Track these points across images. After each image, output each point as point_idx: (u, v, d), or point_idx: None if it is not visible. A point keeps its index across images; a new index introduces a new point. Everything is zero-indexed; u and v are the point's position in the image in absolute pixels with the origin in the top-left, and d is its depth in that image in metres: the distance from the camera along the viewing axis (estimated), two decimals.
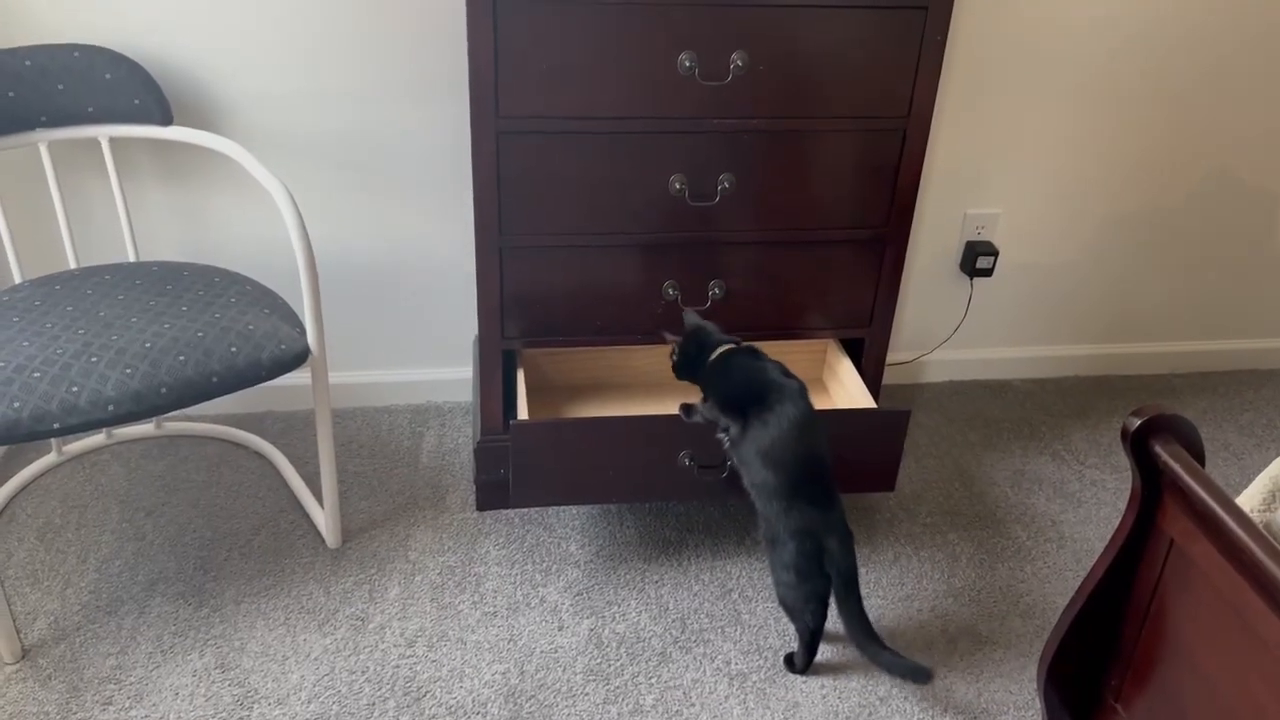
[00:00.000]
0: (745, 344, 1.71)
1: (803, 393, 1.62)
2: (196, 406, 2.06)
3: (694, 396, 1.73)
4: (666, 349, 2.04)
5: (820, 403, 2.05)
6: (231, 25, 1.88)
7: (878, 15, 1.66)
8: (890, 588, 1.89)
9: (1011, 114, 2.19)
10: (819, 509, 1.59)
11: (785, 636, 1.77)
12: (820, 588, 1.62)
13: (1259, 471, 2.03)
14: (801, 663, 1.70)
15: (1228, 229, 2.42)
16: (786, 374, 1.65)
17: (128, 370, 1.54)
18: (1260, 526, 1.14)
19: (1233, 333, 2.59)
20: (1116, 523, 1.48)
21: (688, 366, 1.72)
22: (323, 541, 1.92)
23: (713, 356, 1.69)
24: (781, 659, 1.73)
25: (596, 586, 1.86)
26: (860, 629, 1.61)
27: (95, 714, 1.59)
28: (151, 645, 1.70)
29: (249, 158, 1.76)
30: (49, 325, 1.61)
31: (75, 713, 1.59)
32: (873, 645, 1.62)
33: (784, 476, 1.58)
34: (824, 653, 1.74)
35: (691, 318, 1.75)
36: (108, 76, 1.78)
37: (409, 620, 1.77)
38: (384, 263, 2.15)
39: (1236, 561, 1.15)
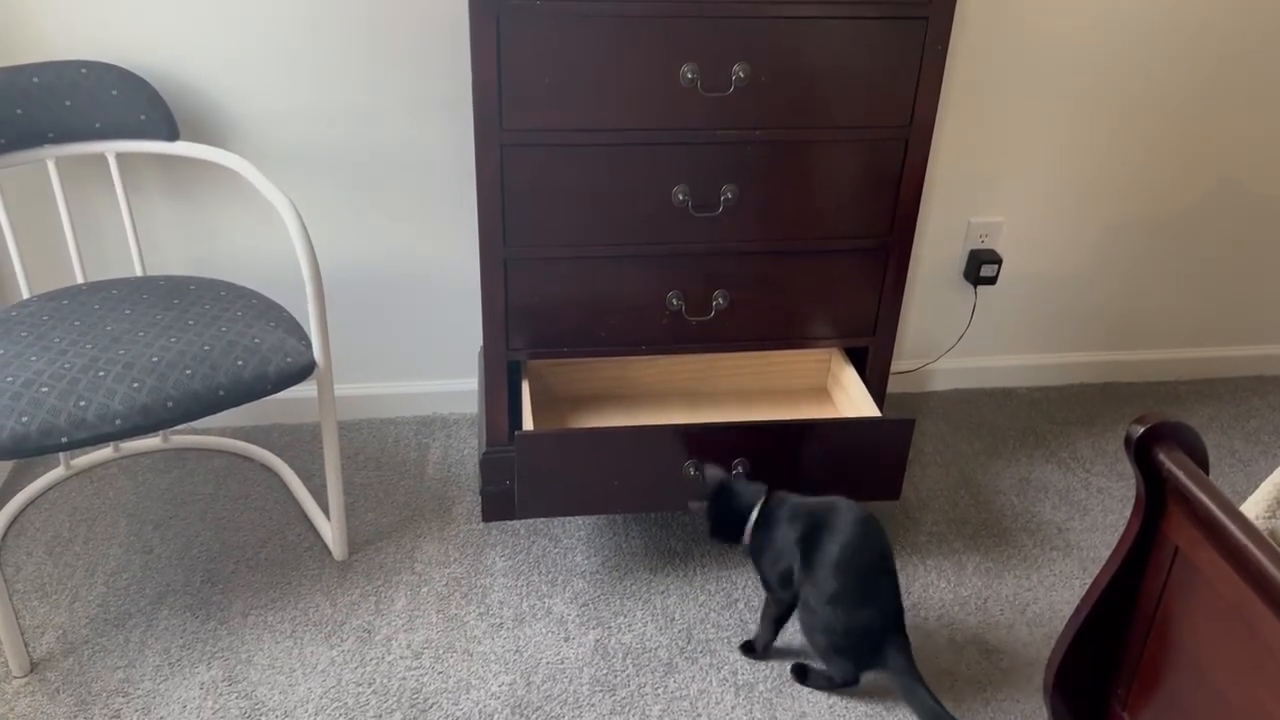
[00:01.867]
0: (778, 492, 1.67)
1: (859, 525, 1.60)
2: (203, 420, 2.08)
3: (692, 414, 1.73)
4: (672, 360, 2.05)
5: (825, 412, 2.06)
6: (237, 41, 1.89)
7: (879, 26, 1.67)
8: None
9: (1013, 122, 2.20)
10: (883, 623, 1.60)
11: (793, 647, 1.77)
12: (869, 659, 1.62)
13: (1265, 478, 2.03)
14: (819, 683, 1.70)
15: (1232, 235, 2.42)
16: (830, 512, 1.61)
17: (135, 384, 1.55)
18: (1265, 533, 1.14)
19: (1238, 339, 2.58)
20: (1122, 530, 1.48)
21: (725, 531, 1.68)
22: (329, 554, 1.93)
23: (754, 517, 1.65)
24: (789, 670, 1.73)
25: (602, 597, 1.86)
26: (915, 693, 1.58)
27: None
28: (159, 658, 1.71)
29: (255, 172, 1.77)
30: (57, 340, 1.62)
31: None
32: (908, 683, 1.59)
33: (855, 619, 1.58)
34: None
35: (713, 472, 1.70)
36: (114, 93, 1.80)
37: (415, 632, 1.78)
38: (389, 275, 2.16)
39: (1242, 569, 1.15)
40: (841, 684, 1.68)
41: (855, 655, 1.63)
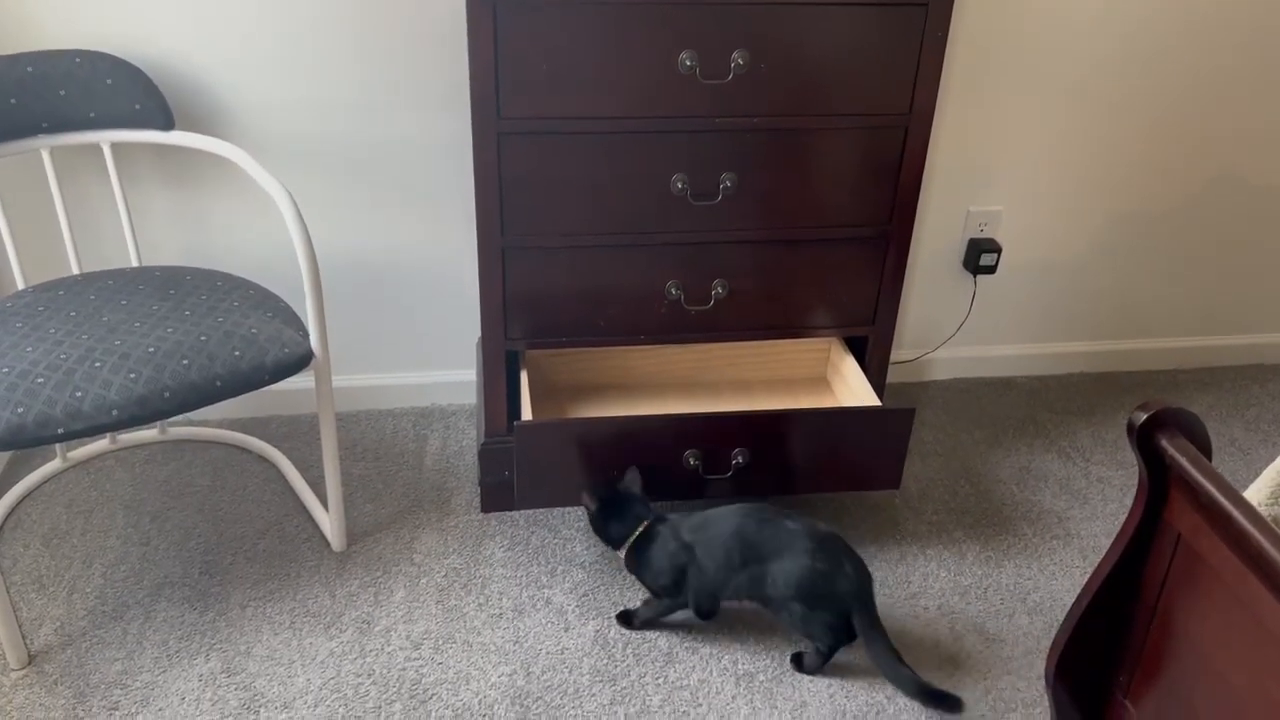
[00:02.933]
0: (664, 517, 1.72)
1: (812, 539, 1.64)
2: (200, 411, 2.07)
3: (691, 404, 1.72)
4: (671, 350, 2.04)
5: (825, 401, 2.06)
6: (233, 30, 1.88)
7: (879, 13, 1.66)
8: (897, 586, 1.88)
9: (1013, 110, 2.19)
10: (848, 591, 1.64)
11: (791, 636, 1.76)
12: (842, 621, 1.65)
13: (1265, 466, 2.03)
14: (813, 665, 1.70)
15: (1232, 224, 2.42)
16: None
17: (131, 375, 1.54)
18: (1268, 520, 1.14)
19: (1238, 328, 2.58)
20: (1123, 519, 1.48)
21: (606, 536, 1.74)
22: (328, 545, 1.92)
23: (631, 540, 1.71)
24: (789, 659, 1.72)
25: (602, 587, 1.85)
26: (886, 653, 1.63)
27: (102, 719, 1.59)
28: (157, 650, 1.70)
29: (251, 162, 1.76)
30: (52, 331, 1.61)
31: (82, 718, 1.59)
32: (898, 670, 1.62)
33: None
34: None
35: (629, 478, 1.75)
36: (109, 82, 1.78)
37: (415, 623, 1.77)
38: (386, 265, 2.15)
39: (1245, 555, 1.15)
40: (830, 651, 1.69)
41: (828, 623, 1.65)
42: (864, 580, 1.65)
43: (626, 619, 1.77)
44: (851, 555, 1.65)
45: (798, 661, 1.71)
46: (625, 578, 1.87)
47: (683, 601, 1.72)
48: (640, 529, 1.70)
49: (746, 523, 1.65)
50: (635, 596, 1.83)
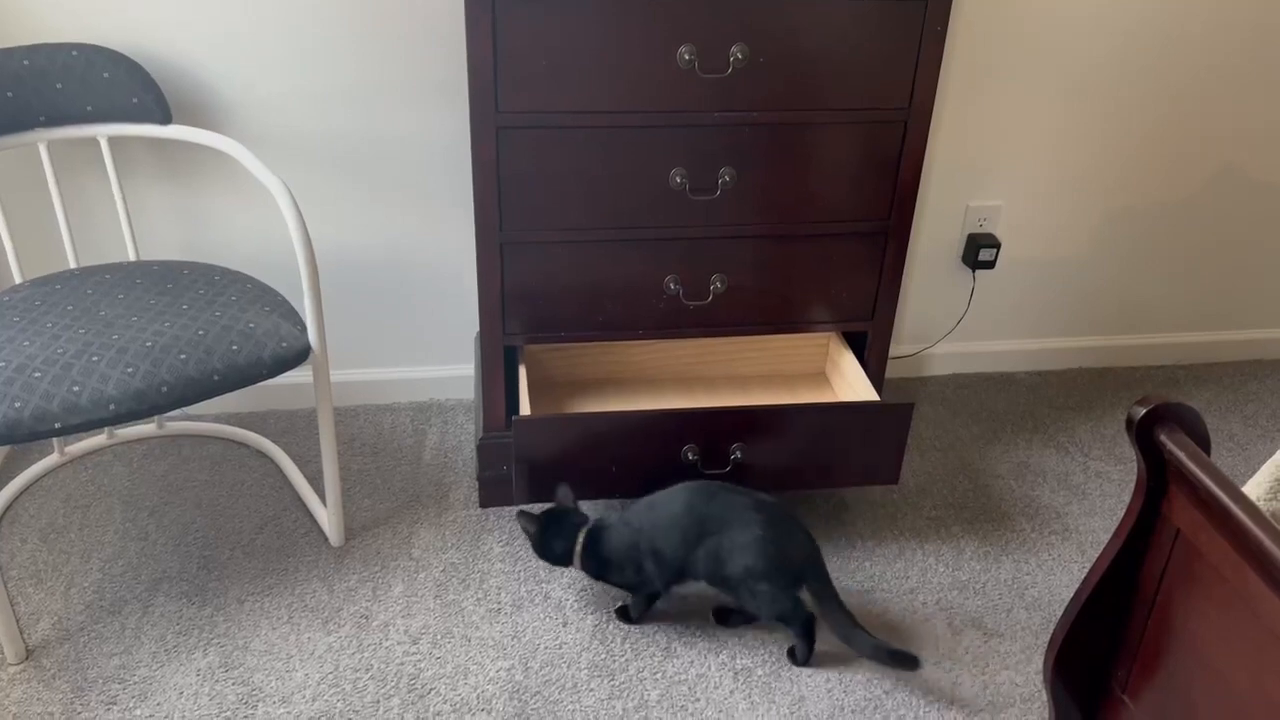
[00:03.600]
0: (601, 518, 1.73)
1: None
2: (198, 406, 2.07)
3: (690, 399, 1.72)
4: (669, 345, 2.04)
5: (823, 396, 2.06)
6: (230, 24, 1.88)
7: (878, 7, 1.66)
8: (895, 581, 1.88)
9: (1013, 106, 2.19)
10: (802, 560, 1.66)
11: (790, 630, 1.76)
12: (797, 590, 1.67)
13: (1264, 461, 2.03)
14: (803, 654, 1.70)
15: (1231, 220, 2.42)
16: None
17: (129, 369, 1.54)
18: (1267, 515, 1.14)
19: (1236, 324, 2.58)
20: (1121, 514, 1.48)
21: (549, 554, 1.74)
22: (326, 540, 1.92)
23: (579, 546, 1.71)
24: (785, 653, 1.72)
25: (599, 582, 1.85)
26: (841, 617, 1.65)
27: (99, 714, 1.59)
28: (155, 644, 1.70)
29: (249, 156, 1.75)
30: (50, 325, 1.61)
31: (80, 712, 1.59)
32: (853, 631, 1.64)
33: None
34: (829, 646, 1.74)
35: (560, 496, 1.76)
36: (106, 75, 1.78)
37: (413, 618, 1.77)
38: (385, 260, 2.14)
39: (1244, 550, 1.15)
40: (804, 627, 1.69)
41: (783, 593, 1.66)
42: (814, 546, 1.67)
43: (625, 614, 1.77)
44: (799, 522, 1.67)
45: (792, 655, 1.71)
46: None
47: (655, 588, 1.72)
48: (582, 536, 1.71)
49: (694, 499, 1.66)
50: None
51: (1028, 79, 2.16)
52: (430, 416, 2.27)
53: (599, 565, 1.71)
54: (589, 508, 2.00)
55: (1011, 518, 2.05)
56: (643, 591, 1.74)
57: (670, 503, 1.68)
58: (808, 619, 1.68)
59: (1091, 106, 2.21)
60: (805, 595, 1.67)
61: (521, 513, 1.74)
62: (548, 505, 1.75)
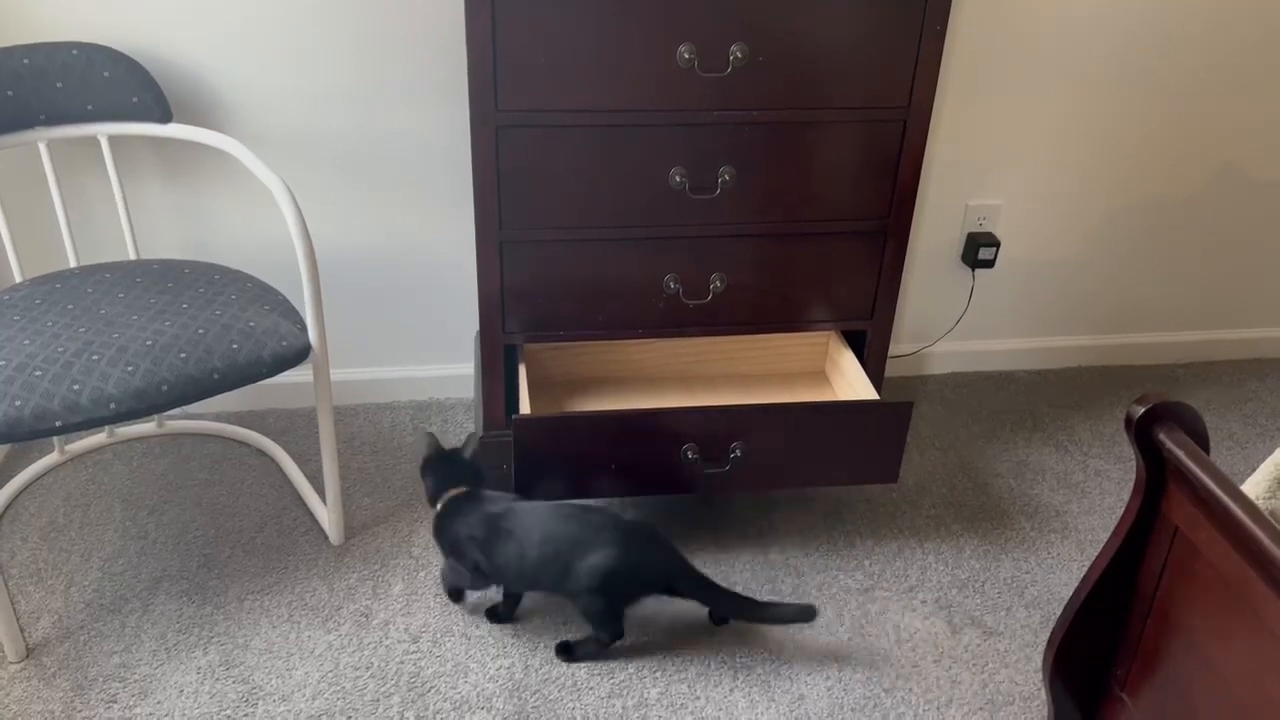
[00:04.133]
0: (478, 493, 1.73)
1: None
2: (198, 404, 2.07)
3: (689, 397, 1.72)
4: (669, 344, 2.04)
5: (822, 395, 2.06)
6: (230, 23, 1.88)
7: (878, 6, 1.66)
8: (894, 580, 1.88)
9: (1012, 105, 2.19)
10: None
11: (789, 630, 1.77)
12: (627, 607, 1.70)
13: (1263, 460, 2.03)
14: (588, 654, 1.71)
15: (1230, 219, 2.42)
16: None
17: (129, 368, 1.54)
18: (1266, 513, 1.14)
19: (1235, 322, 2.58)
20: (1120, 513, 1.48)
21: (430, 488, 1.76)
22: (326, 538, 1.92)
23: (439, 509, 1.73)
24: (555, 647, 1.72)
25: None
26: (730, 602, 1.69)
27: (100, 712, 1.59)
28: (156, 643, 1.70)
29: (249, 155, 1.75)
30: (50, 324, 1.61)
31: (80, 711, 1.59)
32: (750, 607, 1.69)
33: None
34: (828, 643, 1.74)
35: (468, 440, 1.77)
36: (106, 74, 1.78)
37: (413, 616, 1.77)
38: (384, 259, 2.15)
39: (1242, 548, 1.15)
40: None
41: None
42: (675, 561, 1.67)
43: (565, 650, 1.72)
44: (659, 542, 1.67)
45: (566, 650, 1.71)
46: None
47: (482, 581, 1.73)
48: (454, 493, 1.72)
49: (553, 519, 1.65)
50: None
51: (1027, 78, 2.16)
52: (430, 415, 2.27)
53: (443, 530, 1.71)
54: None
55: (1011, 516, 2.05)
56: (471, 576, 1.72)
57: (530, 517, 1.66)
58: (618, 638, 1.69)
59: (1091, 105, 2.22)
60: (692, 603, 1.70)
61: (429, 435, 1.78)
62: (451, 447, 1.77)
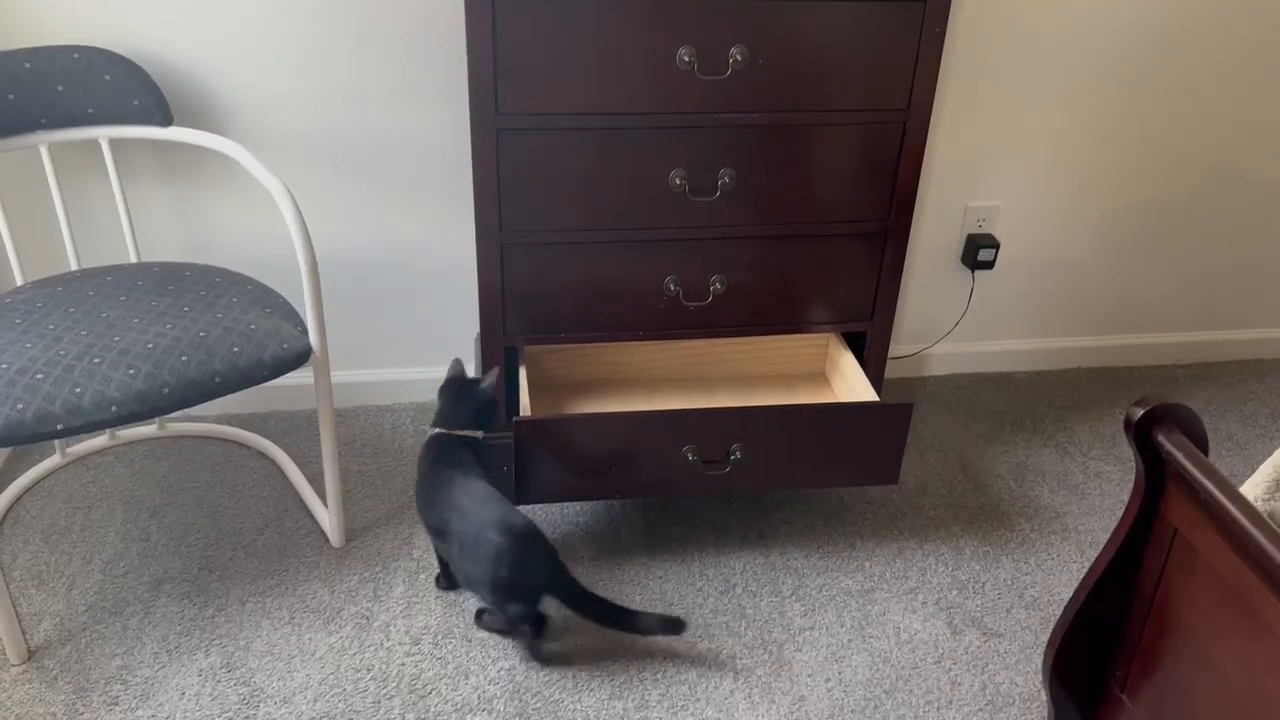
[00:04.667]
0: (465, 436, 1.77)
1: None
2: (199, 407, 2.06)
3: (689, 399, 1.72)
4: (669, 345, 2.05)
5: (823, 396, 2.06)
6: (231, 26, 1.88)
7: (877, 8, 1.66)
8: (895, 581, 1.89)
9: (1012, 106, 2.19)
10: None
11: (789, 631, 1.77)
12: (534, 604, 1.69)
13: (1262, 461, 2.03)
14: (492, 625, 1.74)
15: (1229, 220, 2.42)
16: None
17: (130, 371, 1.54)
18: (1265, 515, 1.14)
19: (1235, 323, 2.58)
20: (1120, 514, 1.48)
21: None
22: (327, 540, 1.92)
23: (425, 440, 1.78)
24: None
25: (601, 582, 1.86)
26: (612, 615, 1.68)
27: (101, 714, 1.59)
28: (157, 645, 1.71)
29: (249, 157, 1.76)
30: (51, 327, 1.61)
31: (82, 713, 1.59)
32: (616, 616, 1.67)
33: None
34: (828, 644, 1.75)
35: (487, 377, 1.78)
36: (107, 78, 1.78)
37: (414, 618, 1.77)
38: (385, 261, 2.15)
39: (1242, 550, 1.15)
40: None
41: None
42: (551, 567, 1.65)
43: (478, 616, 1.77)
44: (540, 546, 1.65)
45: (479, 617, 1.75)
46: (625, 573, 1.88)
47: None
48: (440, 432, 1.76)
49: (472, 507, 1.65)
50: (634, 594, 1.84)
51: (1027, 79, 2.16)
52: (431, 417, 2.26)
53: (421, 457, 1.76)
54: (588, 509, 2.01)
55: (1011, 517, 2.06)
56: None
57: (463, 494, 1.67)
58: (523, 622, 1.68)
59: (1090, 107, 2.22)
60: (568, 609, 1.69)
61: (457, 360, 1.82)
62: (472, 377, 1.81)
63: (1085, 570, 1.84)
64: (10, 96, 1.74)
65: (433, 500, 1.70)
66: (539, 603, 1.67)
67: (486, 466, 1.76)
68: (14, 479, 2.01)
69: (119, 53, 1.81)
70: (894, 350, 2.41)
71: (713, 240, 1.83)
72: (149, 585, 1.82)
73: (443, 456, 1.74)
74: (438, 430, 1.77)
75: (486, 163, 1.69)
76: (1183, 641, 1.30)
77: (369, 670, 1.68)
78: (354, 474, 2.10)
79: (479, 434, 1.77)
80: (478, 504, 1.65)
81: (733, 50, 1.65)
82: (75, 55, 1.77)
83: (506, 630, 1.73)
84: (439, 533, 1.72)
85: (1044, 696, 1.59)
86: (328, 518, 1.91)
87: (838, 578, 1.89)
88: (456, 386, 1.80)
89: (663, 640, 1.75)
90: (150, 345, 1.59)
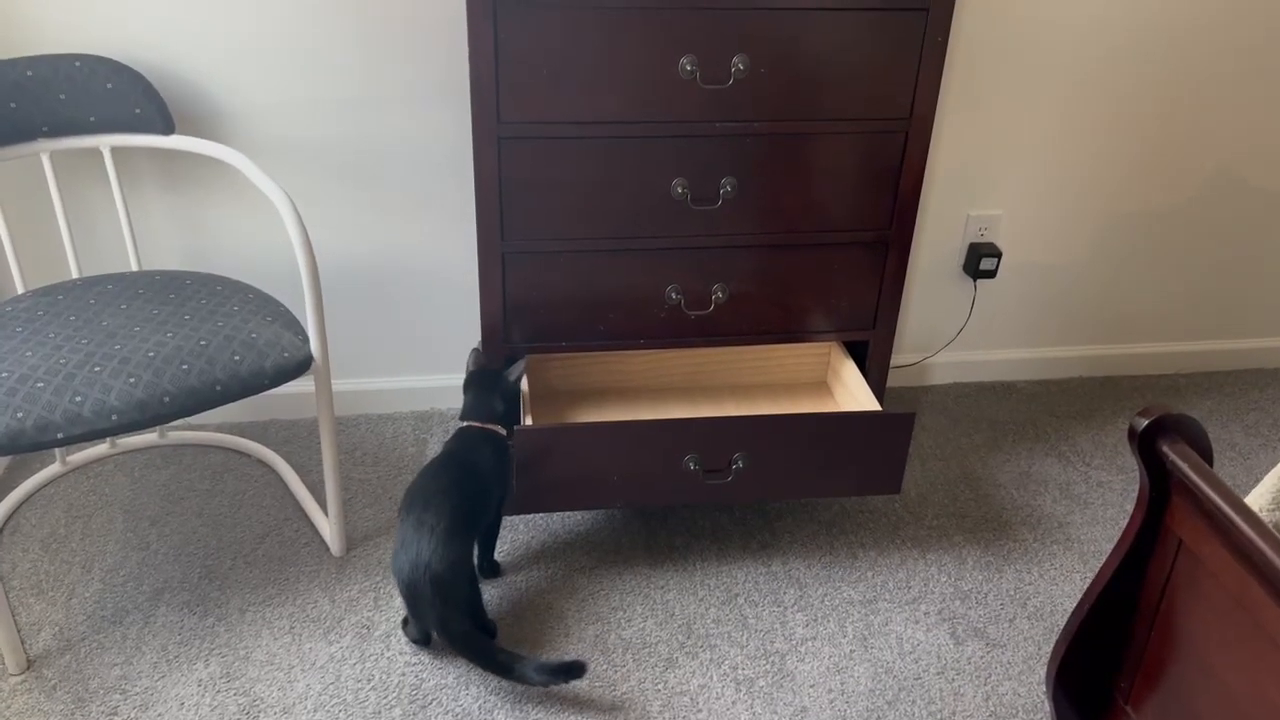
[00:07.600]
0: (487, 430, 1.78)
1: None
2: (200, 415, 2.07)
3: (691, 408, 1.72)
4: (671, 354, 2.04)
5: (824, 406, 2.06)
6: (232, 34, 1.88)
7: (878, 17, 1.66)
8: (897, 591, 1.88)
9: (1013, 115, 2.19)
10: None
11: (792, 641, 1.76)
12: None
13: (1266, 471, 2.02)
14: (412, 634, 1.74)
15: (1231, 228, 2.42)
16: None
17: (131, 379, 1.54)
18: (1270, 526, 1.14)
19: (1237, 332, 2.58)
20: (1123, 524, 1.48)
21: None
22: (327, 549, 1.92)
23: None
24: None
25: (601, 592, 1.85)
26: (502, 664, 1.60)
27: None
28: (157, 655, 1.70)
29: (251, 166, 1.76)
30: (52, 335, 1.61)
31: None
32: (517, 666, 1.59)
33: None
34: (831, 655, 1.74)
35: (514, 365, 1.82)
36: (109, 86, 1.78)
37: None
38: (386, 269, 2.15)
39: (1246, 561, 1.15)
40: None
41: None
42: (442, 622, 1.60)
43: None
44: (423, 600, 1.60)
45: (405, 622, 1.75)
46: (626, 583, 1.87)
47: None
48: (470, 424, 1.78)
49: (420, 517, 1.63)
50: (636, 604, 1.83)
51: (1028, 88, 2.16)
52: (432, 425, 2.27)
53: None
54: (589, 518, 2.01)
55: (1013, 527, 2.05)
56: None
57: (426, 509, 1.64)
58: (425, 640, 1.70)
59: (1091, 115, 2.22)
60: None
61: (476, 350, 1.85)
62: (492, 369, 1.83)
63: (1088, 580, 1.83)
64: (12, 105, 1.74)
65: (412, 486, 1.69)
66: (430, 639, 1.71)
67: (506, 465, 1.74)
68: (14, 487, 2.00)
69: (121, 61, 1.81)
70: (896, 359, 2.41)
71: (714, 249, 1.82)
72: (149, 594, 1.81)
73: (455, 452, 1.73)
74: (464, 424, 1.78)
75: (488, 172, 1.69)
76: (1187, 653, 1.30)
77: (369, 680, 1.67)
78: (355, 483, 2.09)
79: (504, 430, 1.77)
80: (419, 525, 1.61)
81: (735, 60, 1.65)
82: (77, 63, 1.77)
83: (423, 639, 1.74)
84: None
85: (1047, 708, 1.58)
86: (328, 526, 1.90)
87: (840, 587, 1.88)
88: (482, 378, 1.80)
89: (664, 651, 1.74)
90: (151, 354, 1.58)
